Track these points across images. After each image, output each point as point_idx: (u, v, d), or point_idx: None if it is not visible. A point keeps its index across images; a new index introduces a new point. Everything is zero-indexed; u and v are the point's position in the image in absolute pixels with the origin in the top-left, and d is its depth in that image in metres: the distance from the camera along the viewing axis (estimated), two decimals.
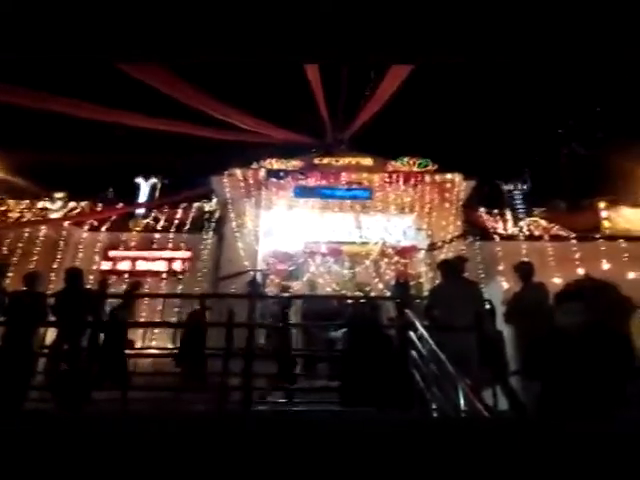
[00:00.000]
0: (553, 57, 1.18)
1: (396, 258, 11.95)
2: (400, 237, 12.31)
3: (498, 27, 1.12)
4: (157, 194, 14.37)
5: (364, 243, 12.13)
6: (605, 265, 10.44)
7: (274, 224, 12.21)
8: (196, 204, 13.29)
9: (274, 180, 12.36)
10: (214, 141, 12.77)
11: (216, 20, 1.15)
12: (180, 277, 11.94)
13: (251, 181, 12.45)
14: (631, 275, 10.35)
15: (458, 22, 1.12)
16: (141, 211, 13.63)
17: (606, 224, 12.61)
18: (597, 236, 11.53)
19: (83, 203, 13.22)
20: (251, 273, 10.18)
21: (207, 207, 13.27)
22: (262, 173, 12.49)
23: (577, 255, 10.78)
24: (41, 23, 1.16)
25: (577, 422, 1.27)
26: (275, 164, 12.72)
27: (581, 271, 10.21)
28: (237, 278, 10.48)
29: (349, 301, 8.71)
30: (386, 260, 11.94)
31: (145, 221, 12.92)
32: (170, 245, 12.22)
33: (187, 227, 12.59)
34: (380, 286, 11.39)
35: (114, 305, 7.32)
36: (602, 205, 13.05)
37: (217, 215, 12.87)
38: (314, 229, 12.08)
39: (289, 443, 1.15)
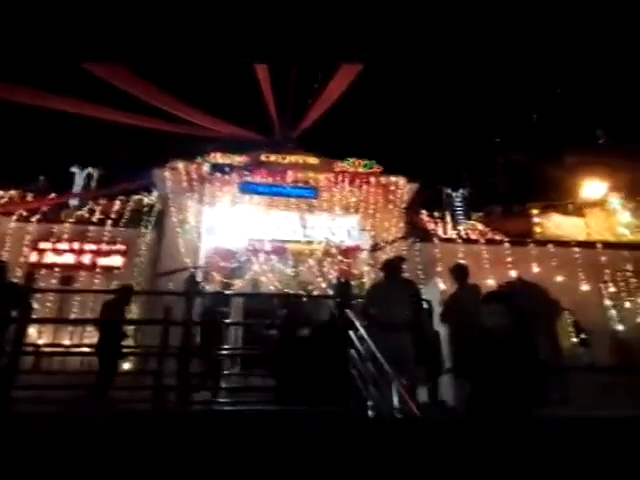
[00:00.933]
0: (551, 57, 1.20)
1: (340, 258, 12.03)
2: (344, 237, 12.43)
3: (497, 27, 1.12)
4: (93, 185, 13.69)
5: (309, 242, 12.13)
6: (535, 268, 10.98)
7: (217, 220, 11.96)
8: (135, 197, 12.77)
9: (218, 175, 12.10)
10: (156, 132, 12.36)
11: (217, 20, 1.13)
12: (115, 272, 11.43)
13: (194, 175, 12.13)
14: (559, 279, 10.94)
15: (457, 22, 1.12)
16: (75, 202, 12.96)
17: (538, 230, 13.30)
18: (529, 241, 12.12)
19: (11, 192, 12.37)
20: (191, 270, 9.92)
21: (147, 200, 12.78)
22: (206, 167, 12.20)
23: (510, 258, 11.29)
24: (41, 24, 1.12)
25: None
26: (220, 159, 12.46)
27: (513, 274, 10.71)
28: (176, 275, 10.19)
29: (291, 300, 8.69)
30: (330, 259, 12.00)
31: (79, 213, 12.27)
32: (105, 239, 11.67)
33: (124, 220, 12.06)
34: (323, 285, 11.42)
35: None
36: (535, 211, 13.75)
37: (157, 209, 12.41)
38: (258, 227, 11.94)
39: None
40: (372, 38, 1.15)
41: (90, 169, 13.75)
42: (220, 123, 12.70)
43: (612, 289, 11.82)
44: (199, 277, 10.27)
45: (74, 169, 13.66)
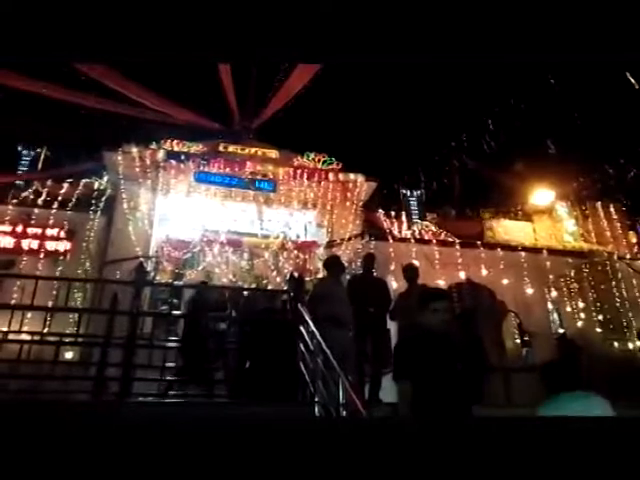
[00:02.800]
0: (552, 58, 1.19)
1: (296, 253, 11.98)
2: (301, 232, 12.38)
3: (499, 27, 1.11)
4: (40, 166, 13.04)
5: (265, 236, 12.00)
6: (484, 271, 11.33)
7: (170, 209, 11.63)
8: (84, 180, 12.25)
9: (173, 163, 11.76)
10: (109, 114, 11.89)
11: (215, 19, 1.11)
12: (61, 258, 10.94)
13: (148, 161, 11.74)
14: (505, 281, 11.33)
15: (460, 22, 1.10)
16: (20, 183, 12.30)
17: (488, 233, 13.72)
18: (479, 244, 12.48)
19: None
20: (141, 259, 9.61)
21: (97, 185, 12.29)
22: (161, 154, 11.84)
23: (460, 260, 11.59)
24: (41, 24, 1.10)
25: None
26: (176, 146, 12.13)
27: (463, 275, 11.00)
28: (125, 263, 9.85)
29: (244, 293, 8.57)
30: (285, 254, 11.92)
31: (24, 194, 11.65)
32: (51, 222, 11.14)
33: (72, 204, 11.54)
34: (278, 279, 11.34)
35: None
36: (486, 215, 14.18)
37: (107, 194, 11.95)
38: (214, 218, 11.70)
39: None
40: (372, 38, 1.15)
41: (38, 149, 13.09)
42: (177, 109, 12.37)
43: (554, 293, 12.36)
44: (149, 267, 9.97)
45: (20, 148, 12.97)
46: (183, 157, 11.85)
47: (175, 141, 12.22)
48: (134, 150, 11.77)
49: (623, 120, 14.49)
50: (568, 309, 12.35)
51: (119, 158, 11.72)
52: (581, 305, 12.29)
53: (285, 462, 0.95)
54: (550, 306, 12.54)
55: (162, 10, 1.10)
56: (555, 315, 12.58)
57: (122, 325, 6.40)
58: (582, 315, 12.13)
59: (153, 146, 12.00)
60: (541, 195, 14.90)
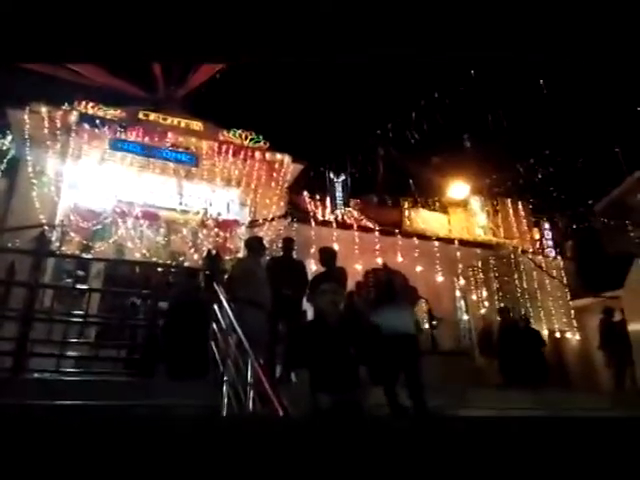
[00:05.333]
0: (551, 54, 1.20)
1: (216, 230, 11.69)
2: (223, 210, 12.07)
3: (496, 24, 1.12)
4: None
5: (184, 211, 11.58)
6: (400, 258, 11.75)
7: (81, 176, 10.83)
8: None
9: (87, 127, 10.95)
10: (18, 68, 10.79)
11: (214, 19, 1.10)
12: None
13: (58, 123, 10.84)
14: (419, 269, 11.84)
15: (460, 21, 1.11)
16: None
17: (407, 222, 14.23)
18: (396, 232, 12.92)
19: None
20: (45, 228, 8.92)
21: None
22: (73, 117, 10.96)
23: (378, 246, 11.94)
24: (41, 24, 1.10)
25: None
26: (91, 109, 11.28)
27: (380, 261, 11.34)
28: (27, 232, 9.10)
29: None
30: (205, 231, 11.60)
31: None
32: None
33: None
34: (195, 257, 11.03)
35: None
36: (405, 205, 14.67)
37: (10, 155, 10.92)
38: (129, 188, 11.08)
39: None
40: (373, 38, 1.16)
41: None
42: (95, 69, 11.49)
43: (462, 282, 13.14)
44: (54, 237, 9.28)
45: None
46: (98, 122, 11.04)
47: (90, 104, 11.36)
48: (43, 110, 10.81)
49: (537, 122, 15.56)
50: (474, 297, 13.19)
51: (25, 117, 10.72)
52: (485, 294, 13.18)
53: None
54: (458, 294, 13.33)
55: (162, 10, 1.08)
56: (462, 302, 13.40)
57: (19, 297, 5.97)
58: (486, 303, 13.01)
59: (65, 107, 11.09)
60: (457, 188, 15.66)
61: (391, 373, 4.71)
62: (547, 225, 15.90)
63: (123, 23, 1.08)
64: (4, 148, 11.16)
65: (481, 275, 13.30)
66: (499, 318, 10.20)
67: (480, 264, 13.37)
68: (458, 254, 13.07)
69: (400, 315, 5.10)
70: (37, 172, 10.43)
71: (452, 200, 15.51)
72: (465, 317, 13.24)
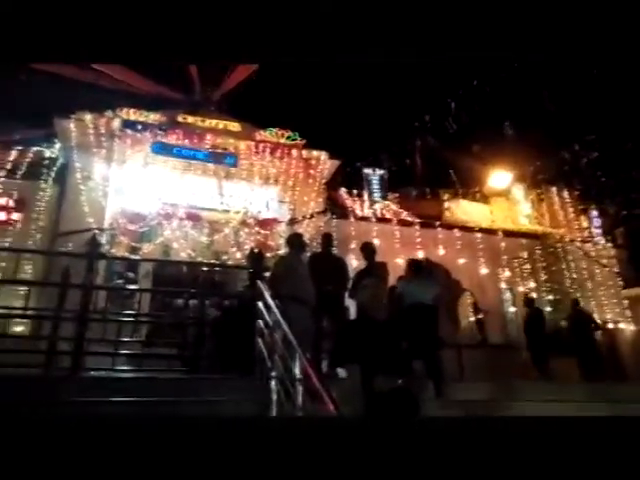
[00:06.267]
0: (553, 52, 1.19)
1: (256, 229, 11.84)
2: (262, 208, 12.21)
3: (496, 24, 1.11)
4: None
5: (225, 211, 11.78)
6: (442, 251, 11.56)
7: (127, 181, 11.19)
8: (34, 148, 11.62)
9: (130, 132, 11.30)
10: (63, 79, 11.26)
11: (214, 20, 1.10)
12: (9, 228, 10.42)
13: (103, 130, 11.23)
14: (461, 261, 11.62)
15: (460, 21, 1.11)
16: None
17: (447, 214, 13.98)
18: (437, 224, 12.71)
19: None
20: (95, 232, 9.27)
21: (48, 153, 11.69)
22: (117, 123, 11.34)
23: (419, 239, 11.79)
24: (41, 24, 1.09)
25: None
26: (133, 115, 11.62)
27: (421, 254, 11.19)
28: (78, 236, 9.48)
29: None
30: (246, 230, 11.77)
31: None
32: None
33: (21, 172, 10.96)
34: (238, 255, 11.21)
35: None
36: (445, 196, 14.42)
37: (59, 163, 11.40)
38: (172, 190, 11.36)
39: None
40: (373, 38, 1.15)
41: None
42: (135, 76, 11.83)
43: (508, 273, 12.79)
44: (103, 240, 9.64)
45: None
46: (140, 126, 11.38)
47: (132, 110, 11.71)
48: (88, 117, 11.23)
49: (580, 107, 14.94)
50: (520, 289, 12.82)
51: (72, 126, 11.16)
52: (532, 285, 12.78)
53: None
54: (503, 286, 12.99)
55: (160, 9, 1.09)
56: (508, 294, 13.06)
57: (75, 299, 6.22)
58: (533, 295, 12.62)
59: (108, 114, 11.48)
60: (499, 177, 15.25)
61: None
62: (595, 212, 15.28)
63: (119, 23, 1.08)
64: (53, 156, 11.67)
65: (527, 266, 12.92)
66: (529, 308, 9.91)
67: (526, 254, 12.98)
68: (502, 245, 12.73)
69: (424, 289, 5.40)
70: (85, 178, 10.84)
71: (494, 189, 15.13)
72: (512, 309, 12.90)
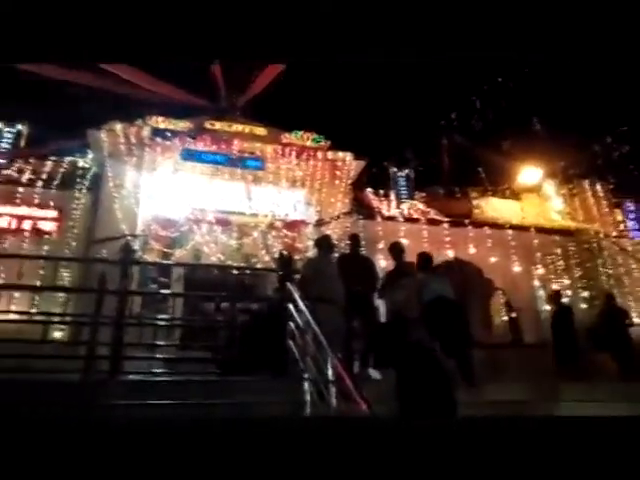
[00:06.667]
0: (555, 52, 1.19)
1: (284, 231, 11.94)
2: (289, 211, 12.30)
3: (497, 24, 1.11)
4: (22, 143, 12.73)
5: (253, 214, 11.92)
6: (472, 249, 11.41)
7: (157, 187, 11.45)
8: (68, 158, 12.02)
9: (159, 140, 11.56)
10: (92, 90, 11.59)
11: (214, 19, 1.11)
12: (47, 237, 10.80)
13: (133, 139, 11.53)
14: (493, 259, 11.44)
15: (460, 21, 1.11)
16: (1, 161, 12.03)
17: (476, 212, 13.77)
18: (467, 222, 12.54)
19: None
20: (128, 238, 9.51)
21: (81, 163, 12.07)
22: (146, 131, 11.62)
23: (448, 238, 11.65)
24: (41, 24, 1.10)
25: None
26: (161, 123, 11.88)
27: (451, 253, 11.08)
28: (112, 242, 9.74)
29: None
30: (274, 233, 11.88)
31: (6, 172, 11.40)
32: (36, 201, 10.95)
33: (57, 183, 11.34)
34: (267, 258, 11.33)
35: None
36: (474, 194, 14.21)
37: (92, 172, 11.76)
38: (201, 196, 11.57)
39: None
40: (373, 38, 1.15)
41: (19, 126, 12.75)
42: (162, 85, 12.08)
43: (541, 271, 12.52)
44: (136, 246, 9.87)
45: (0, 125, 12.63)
46: (169, 134, 11.64)
47: (160, 118, 11.98)
48: (118, 127, 11.55)
49: (611, 99, 14.51)
50: (555, 286, 12.52)
51: (103, 136, 11.49)
52: (567, 282, 12.48)
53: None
54: (537, 283, 12.72)
55: (160, 9, 1.09)
56: (542, 292, 12.77)
57: (111, 304, 6.39)
58: (568, 292, 12.31)
59: (138, 123, 11.77)
60: (529, 173, 14.94)
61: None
62: (631, 205, 14.80)
63: (119, 23, 1.09)
64: (86, 166, 12.03)
65: (561, 262, 12.61)
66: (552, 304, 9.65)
67: (559, 251, 12.68)
68: (535, 242, 12.47)
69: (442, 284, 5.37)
70: (117, 186, 11.14)
71: (524, 186, 14.83)
72: (547, 307, 12.61)
